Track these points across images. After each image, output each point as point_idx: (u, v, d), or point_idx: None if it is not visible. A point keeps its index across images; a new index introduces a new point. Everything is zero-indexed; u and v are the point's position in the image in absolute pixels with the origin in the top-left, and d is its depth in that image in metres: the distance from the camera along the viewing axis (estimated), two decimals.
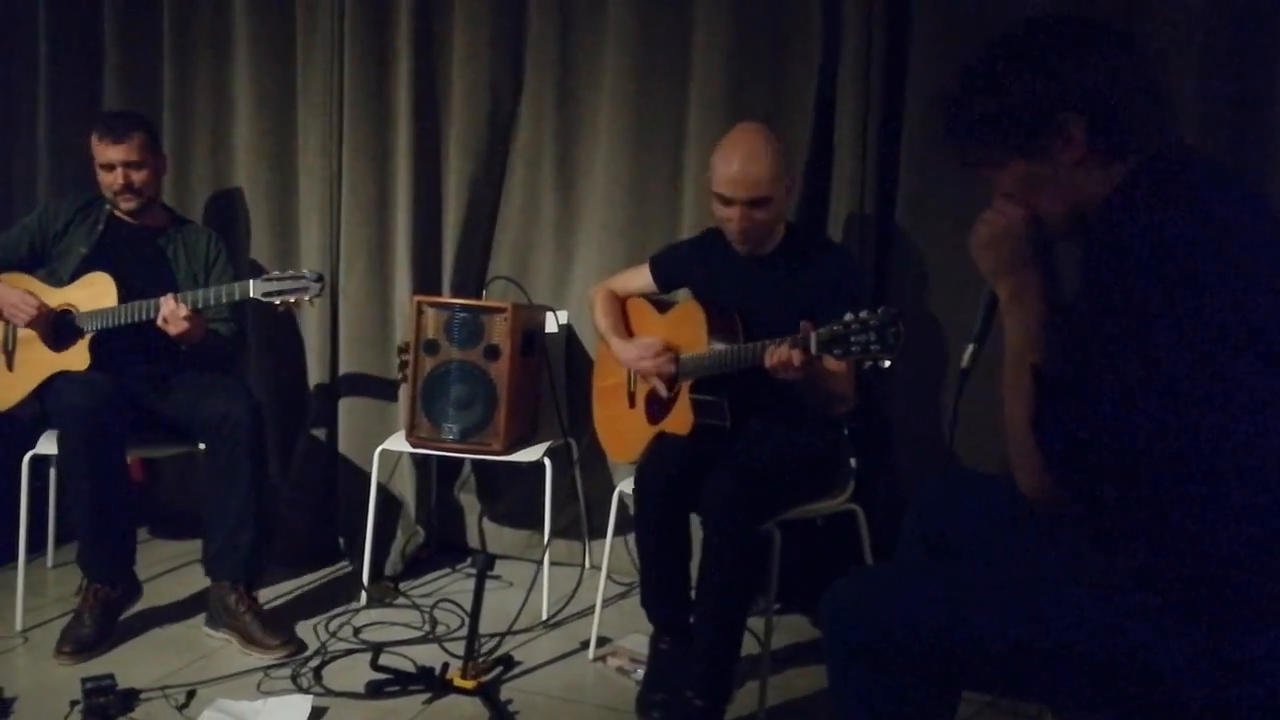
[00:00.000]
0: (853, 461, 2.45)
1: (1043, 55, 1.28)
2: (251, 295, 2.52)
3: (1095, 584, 1.28)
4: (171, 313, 2.50)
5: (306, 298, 2.55)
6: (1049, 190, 1.33)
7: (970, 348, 1.48)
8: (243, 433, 2.53)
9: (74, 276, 2.68)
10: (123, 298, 2.61)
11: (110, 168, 2.70)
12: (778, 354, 1.97)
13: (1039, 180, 1.33)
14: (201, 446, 2.66)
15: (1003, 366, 1.32)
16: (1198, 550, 1.20)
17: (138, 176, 2.72)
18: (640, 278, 2.61)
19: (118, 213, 2.77)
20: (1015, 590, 1.31)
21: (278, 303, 2.53)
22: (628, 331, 2.58)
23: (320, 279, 2.55)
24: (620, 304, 2.63)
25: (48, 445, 2.59)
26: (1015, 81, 1.29)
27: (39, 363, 2.63)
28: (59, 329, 2.65)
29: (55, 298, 2.67)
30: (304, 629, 2.62)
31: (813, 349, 1.91)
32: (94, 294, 2.64)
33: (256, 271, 3.14)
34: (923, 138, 2.55)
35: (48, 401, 2.58)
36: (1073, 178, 1.30)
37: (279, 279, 2.53)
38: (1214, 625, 1.19)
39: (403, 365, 2.76)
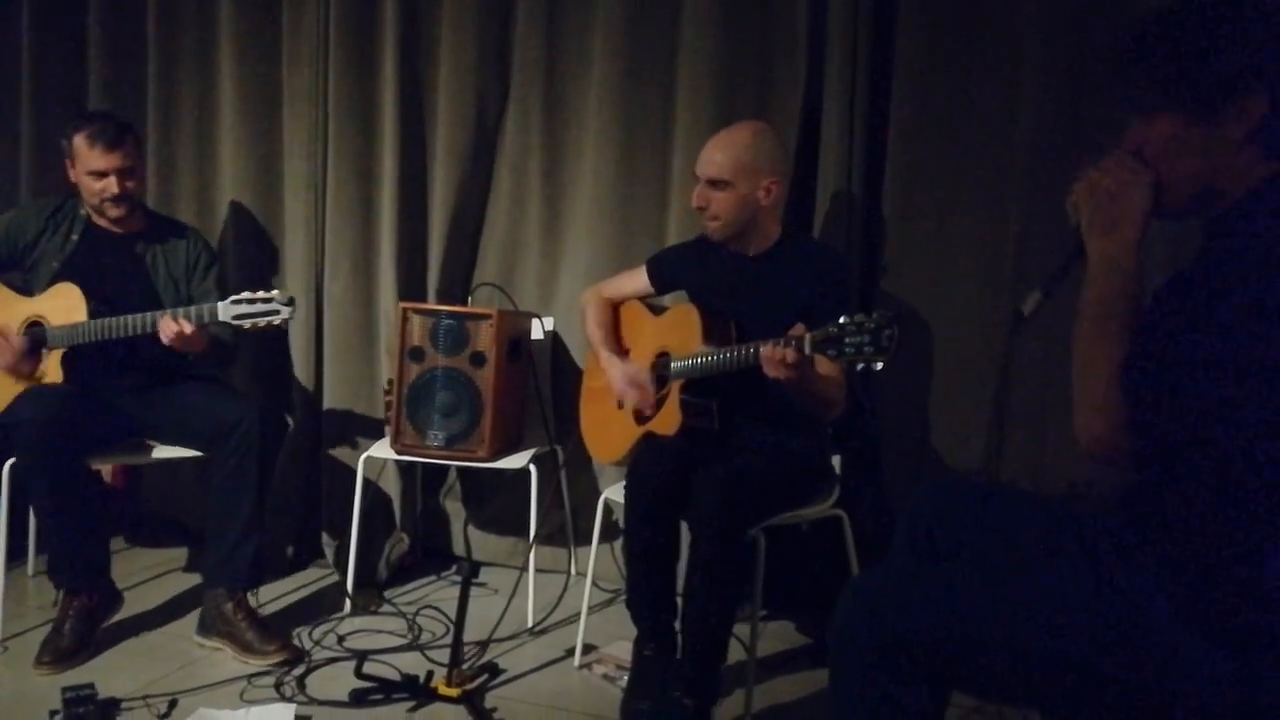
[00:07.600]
0: (838, 468, 2.45)
1: (1257, 23, 1.20)
2: (220, 318, 2.42)
3: (1112, 588, 1.27)
4: (177, 334, 2.43)
5: (277, 321, 2.42)
6: (1191, 159, 1.24)
7: (1035, 295, 1.37)
8: (253, 441, 2.51)
9: (47, 288, 2.62)
10: (94, 311, 2.54)
11: (101, 175, 2.57)
12: (771, 352, 1.98)
13: (1187, 146, 1.24)
14: (195, 453, 2.62)
15: (1079, 318, 1.26)
16: (1242, 579, 1.18)
17: (131, 184, 2.61)
18: (635, 280, 2.61)
19: (96, 220, 2.67)
20: (1026, 598, 1.29)
21: (248, 326, 2.43)
22: (619, 340, 2.59)
23: (292, 302, 2.44)
24: (612, 311, 2.63)
25: None
26: (1221, 36, 1.20)
27: (13, 378, 2.58)
28: (32, 345, 2.58)
29: (25, 308, 2.61)
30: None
31: (806, 349, 1.92)
32: (63, 306, 2.57)
33: (240, 279, 3.12)
34: (909, 138, 2.56)
35: (7, 415, 2.51)
36: (1224, 155, 1.22)
37: (249, 301, 2.42)
38: (1245, 659, 1.16)
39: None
